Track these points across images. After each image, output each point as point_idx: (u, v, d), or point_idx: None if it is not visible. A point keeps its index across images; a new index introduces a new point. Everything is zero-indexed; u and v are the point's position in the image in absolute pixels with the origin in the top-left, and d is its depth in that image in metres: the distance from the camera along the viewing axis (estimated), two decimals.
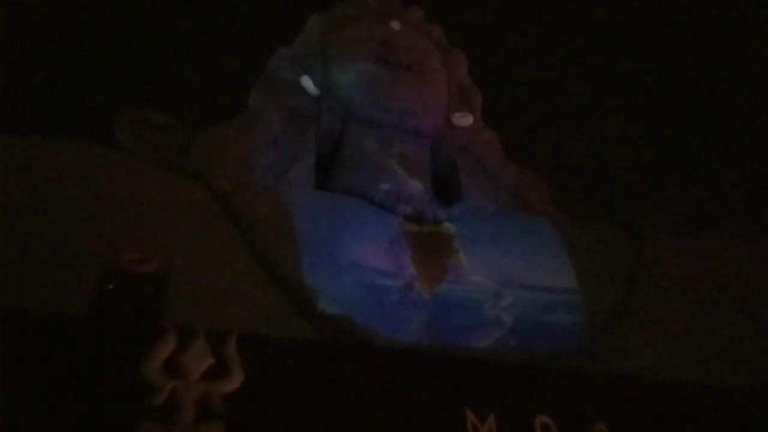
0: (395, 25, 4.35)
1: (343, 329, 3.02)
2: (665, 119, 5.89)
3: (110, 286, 2.50)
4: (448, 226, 3.61)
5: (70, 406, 2.23)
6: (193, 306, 2.76)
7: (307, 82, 4.17)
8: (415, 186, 3.85)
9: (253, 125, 4.00)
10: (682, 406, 2.68)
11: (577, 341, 3.20)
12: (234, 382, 2.36)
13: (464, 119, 4.30)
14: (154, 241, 2.91)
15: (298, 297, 3.07)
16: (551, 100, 5.74)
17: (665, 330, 3.27)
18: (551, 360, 3.02)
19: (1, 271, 2.61)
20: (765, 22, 5.69)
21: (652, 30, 5.95)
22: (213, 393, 2.32)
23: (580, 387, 2.64)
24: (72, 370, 2.28)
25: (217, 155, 3.78)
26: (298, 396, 2.44)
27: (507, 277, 3.38)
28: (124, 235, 2.92)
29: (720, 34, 5.85)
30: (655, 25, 5.98)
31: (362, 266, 3.31)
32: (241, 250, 3.14)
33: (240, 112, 4.16)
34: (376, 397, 2.48)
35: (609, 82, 5.83)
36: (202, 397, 2.30)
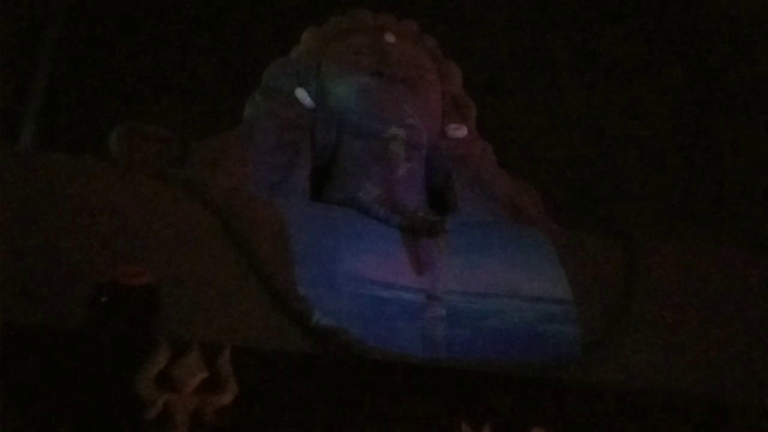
0: (390, 37, 4.35)
1: (338, 341, 3.00)
2: (662, 127, 5.91)
3: (103, 299, 2.49)
4: (444, 237, 3.61)
5: (62, 420, 2.21)
6: (187, 319, 2.75)
7: (302, 94, 4.17)
8: (410, 197, 3.85)
9: (248, 137, 4.00)
10: (678, 417, 2.67)
11: (573, 352, 3.19)
12: (228, 395, 2.34)
13: (459, 131, 4.29)
14: (147, 254, 2.90)
15: (293, 309, 3.04)
16: (546, 110, 5.75)
17: (661, 341, 3.26)
18: (546, 371, 3.00)
19: None
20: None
21: (648, 36, 5.98)
22: (206, 406, 2.30)
23: (576, 398, 2.64)
24: (64, 384, 2.27)
25: (212, 167, 3.79)
26: (292, 409, 2.43)
27: (502, 288, 3.38)
28: (117, 247, 2.91)
29: (717, 35, 5.87)
30: (650, 33, 6.00)
31: (358, 277, 3.30)
32: (235, 262, 3.12)
33: (235, 124, 4.16)
34: (371, 409, 2.48)
35: (605, 89, 5.85)
36: (196, 411, 2.28)
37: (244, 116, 4.21)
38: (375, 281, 3.31)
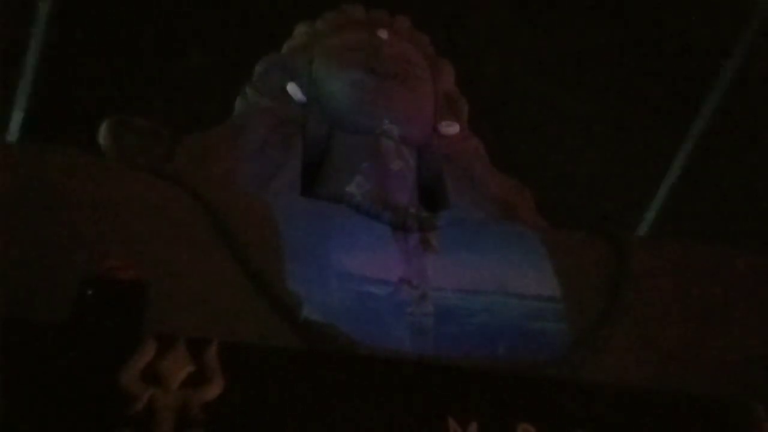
0: (383, 33, 4.35)
1: (327, 337, 2.99)
2: (656, 127, 5.92)
3: (89, 293, 2.47)
4: (435, 234, 3.61)
5: (45, 415, 2.20)
6: (174, 313, 2.74)
7: (294, 89, 4.17)
8: (402, 193, 3.84)
9: (238, 132, 3.99)
10: (666, 415, 2.68)
11: (561, 350, 3.19)
12: (214, 390, 2.33)
13: (451, 128, 4.29)
14: (134, 248, 2.89)
15: (282, 304, 3.04)
16: (539, 109, 5.76)
17: (649, 339, 3.27)
18: (534, 368, 3.01)
19: None
20: None
21: (641, 36, 5.99)
22: (192, 401, 2.28)
23: (564, 395, 2.64)
24: (48, 378, 2.25)
25: (202, 161, 3.78)
26: (279, 405, 2.42)
27: (491, 285, 3.38)
28: (105, 241, 2.89)
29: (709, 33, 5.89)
30: (643, 32, 6.02)
31: (348, 273, 3.30)
32: (223, 257, 3.11)
33: (225, 119, 4.15)
34: (358, 406, 2.47)
35: (598, 90, 5.86)
36: (181, 406, 2.27)
37: (234, 111, 4.20)
38: (364, 277, 3.31)
